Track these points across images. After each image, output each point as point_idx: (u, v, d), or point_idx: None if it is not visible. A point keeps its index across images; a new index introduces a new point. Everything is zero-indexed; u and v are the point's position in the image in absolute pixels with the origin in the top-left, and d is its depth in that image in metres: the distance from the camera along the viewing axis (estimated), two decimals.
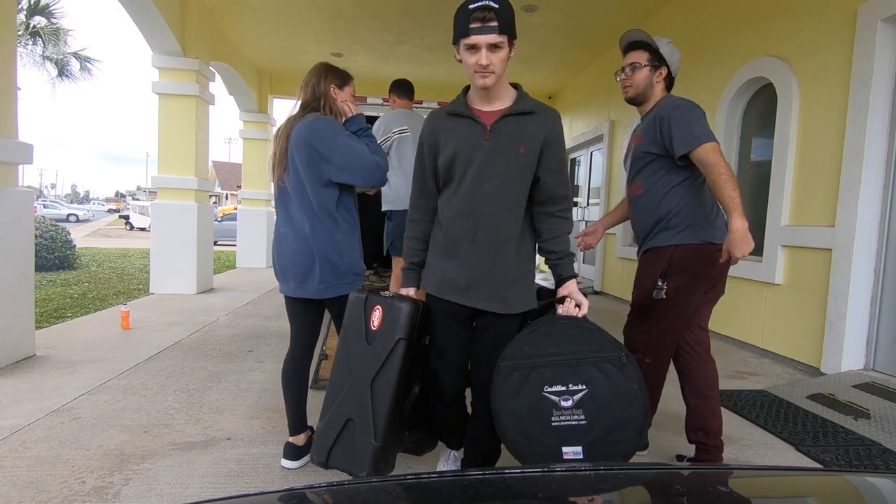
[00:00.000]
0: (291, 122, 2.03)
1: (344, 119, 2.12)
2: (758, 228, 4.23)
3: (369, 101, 4.94)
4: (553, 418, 1.46)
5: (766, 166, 4.18)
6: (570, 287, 1.67)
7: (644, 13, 6.00)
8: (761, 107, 4.44)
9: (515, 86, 1.67)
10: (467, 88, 1.70)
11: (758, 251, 4.20)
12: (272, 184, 2.13)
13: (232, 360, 3.62)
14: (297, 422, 2.14)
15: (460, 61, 1.59)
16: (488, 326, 1.68)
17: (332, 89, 2.10)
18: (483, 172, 1.61)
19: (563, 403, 1.45)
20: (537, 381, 1.48)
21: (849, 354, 3.38)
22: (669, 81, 2.16)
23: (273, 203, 10.10)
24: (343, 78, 2.16)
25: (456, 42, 1.57)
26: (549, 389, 1.46)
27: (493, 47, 1.51)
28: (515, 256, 1.66)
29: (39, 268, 8.22)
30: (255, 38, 7.56)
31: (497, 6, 1.48)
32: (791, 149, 3.85)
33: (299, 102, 2.09)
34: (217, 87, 6.90)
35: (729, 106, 4.59)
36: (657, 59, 2.12)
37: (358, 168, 1.98)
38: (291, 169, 2.00)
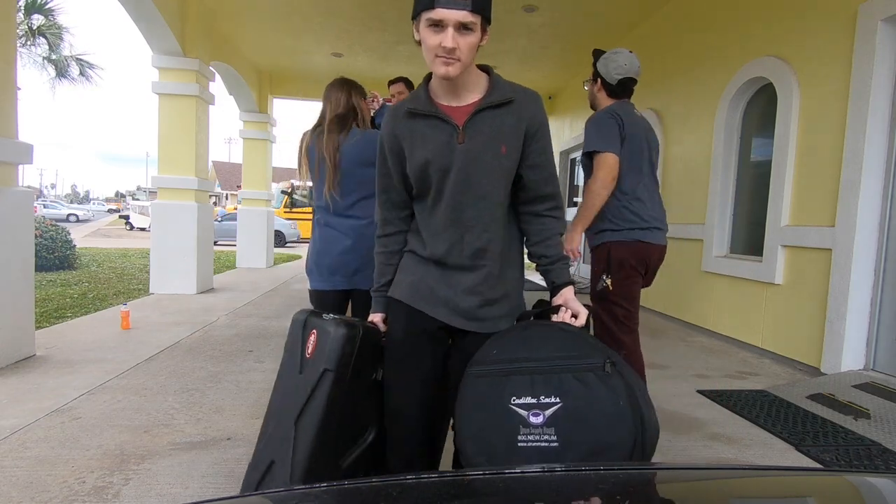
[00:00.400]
0: (335, 137, 2.20)
1: (378, 108, 2.47)
2: (758, 228, 4.23)
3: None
4: (519, 437, 1.19)
5: (766, 166, 4.18)
6: (566, 295, 1.43)
7: (644, 13, 6.00)
8: (761, 107, 4.44)
9: (486, 69, 1.39)
10: (429, 77, 1.40)
11: (758, 251, 4.21)
12: (321, 193, 2.29)
13: (232, 360, 3.62)
14: None
15: (419, 43, 1.31)
16: (467, 344, 1.43)
17: (362, 103, 2.31)
18: (463, 181, 1.36)
19: (533, 420, 1.19)
20: (504, 391, 1.23)
21: (849, 354, 3.38)
22: (616, 88, 2.47)
23: (273, 204, 10.16)
24: (364, 91, 2.37)
25: (416, 16, 1.27)
26: (517, 401, 1.21)
27: (463, 28, 1.22)
28: (505, 269, 1.45)
29: (39, 268, 8.22)
30: (255, 38, 7.56)
31: None
32: (791, 149, 3.85)
33: (332, 115, 2.23)
34: (217, 87, 6.91)
35: (729, 106, 4.59)
36: (596, 73, 2.51)
37: None
38: (346, 180, 2.19)
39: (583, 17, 6.19)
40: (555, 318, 1.41)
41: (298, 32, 7.20)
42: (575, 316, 1.39)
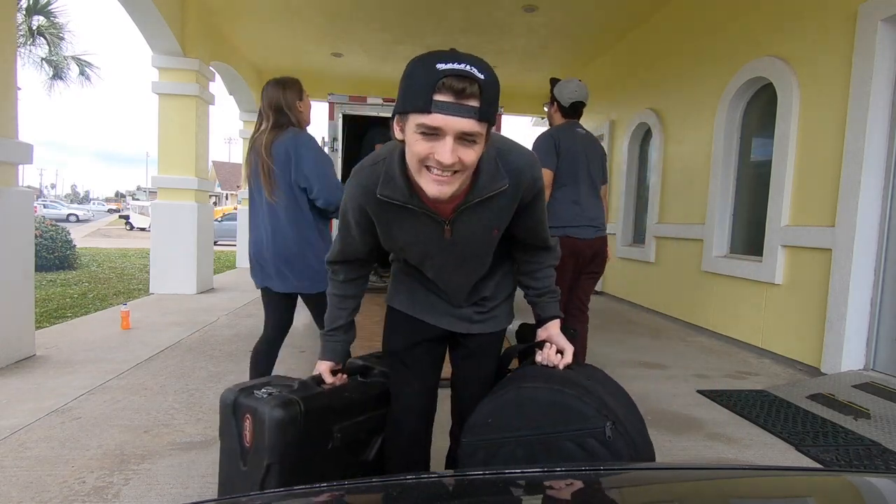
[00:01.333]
0: (270, 138, 2.19)
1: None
2: (758, 228, 4.23)
3: (369, 101, 4.94)
4: None
5: (766, 166, 4.18)
6: (551, 330, 1.39)
7: (644, 13, 6.00)
8: (761, 107, 4.44)
9: None
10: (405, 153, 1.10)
11: (758, 251, 4.21)
12: (261, 196, 2.29)
13: (232, 360, 3.62)
14: None
15: (401, 141, 1.05)
16: (471, 342, 1.44)
17: (297, 105, 2.25)
18: (448, 266, 1.29)
19: None
20: (506, 462, 1.18)
21: (849, 354, 3.37)
22: (568, 110, 2.96)
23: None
24: (300, 90, 2.29)
25: (403, 112, 1.00)
26: None
27: (466, 139, 0.98)
28: (502, 283, 1.44)
29: (39, 268, 8.21)
30: (255, 38, 7.56)
31: (483, 77, 0.96)
32: (791, 149, 3.85)
33: (269, 122, 2.22)
34: (217, 87, 6.91)
35: (729, 106, 4.59)
36: (553, 97, 3.00)
37: (319, 180, 2.17)
38: (281, 182, 2.19)
39: (583, 17, 6.19)
40: (539, 355, 1.38)
41: (298, 32, 7.20)
42: (560, 352, 1.35)
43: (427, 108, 0.95)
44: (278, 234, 2.23)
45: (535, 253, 1.40)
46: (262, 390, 1.30)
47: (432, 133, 0.97)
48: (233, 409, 1.30)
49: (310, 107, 2.36)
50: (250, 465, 1.26)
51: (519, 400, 1.24)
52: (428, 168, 1.01)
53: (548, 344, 1.38)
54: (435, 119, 0.95)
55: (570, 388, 1.21)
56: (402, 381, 1.44)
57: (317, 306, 2.34)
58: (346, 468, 1.41)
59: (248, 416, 1.27)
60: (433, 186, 1.02)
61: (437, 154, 0.98)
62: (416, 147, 0.99)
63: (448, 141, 0.97)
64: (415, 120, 0.98)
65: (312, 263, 2.24)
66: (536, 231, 1.33)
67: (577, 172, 2.90)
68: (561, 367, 1.32)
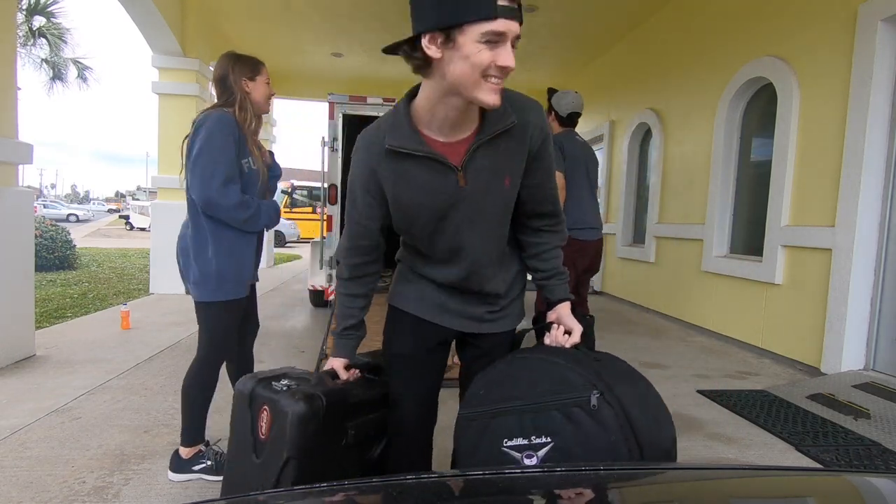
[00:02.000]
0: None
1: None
2: (758, 228, 4.23)
3: (369, 100, 4.94)
4: None
5: (766, 166, 4.18)
6: (561, 311, 1.35)
7: (644, 14, 6.00)
8: (761, 107, 4.44)
9: None
10: (411, 95, 1.15)
11: (758, 251, 4.21)
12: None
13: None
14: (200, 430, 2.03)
15: (436, 58, 1.03)
16: (482, 342, 1.41)
17: (244, 83, 1.91)
18: (464, 224, 1.23)
19: (527, 462, 1.11)
20: (495, 434, 1.15)
21: (849, 354, 3.37)
22: (566, 119, 3.15)
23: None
24: (253, 67, 1.95)
25: (456, 24, 0.98)
26: (509, 444, 1.13)
27: (515, 42, 1.03)
28: (509, 280, 1.39)
29: (39, 268, 8.20)
30: (255, 38, 7.56)
31: None
32: (791, 149, 3.85)
33: (217, 100, 1.97)
34: None
35: (729, 106, 4.59)
36: (550, 107, 3.17)
37: (194, 167, 1.80)
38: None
39: (583, 17, 6.19)
40: (547, 336, 1.36)
41: (298, 32, 7.19)
42: (568, 332, 1.32)
43: (492, 13, 0.96)
44: (181, 231, 1.97)
45: (540, 234, 1.37)
46: (282, 382, 1.27)
47: (495, 39, 0.99)
48: (249, 399, 1.26)
49: (267, 93, 1.99)
50: (265, 457, 1.22)
51: (509, 370, 1.23)
52: (486, 78, 1.02)
53: (555, 325, 1.35)
54: (500, 24, 0.97)
55: (560, 359, 1.19)
56: (404, 386, 1.42)
57: (199, 318, 1.97)
58: (357, 465, 1.39)
59: (265, 407, 1.23)
60: (493, 96, 1.04)
61: (500, 60, 1.00)
62: (479, 57, 1.00)
63: (508, 45, 1.00)
64: (479, 29, 0.98)
65: (200, 267, 1.90)
66: (545, 187, 1.30)
67: (579, 178, 3.09)
68: (567, 346, 1.30)
